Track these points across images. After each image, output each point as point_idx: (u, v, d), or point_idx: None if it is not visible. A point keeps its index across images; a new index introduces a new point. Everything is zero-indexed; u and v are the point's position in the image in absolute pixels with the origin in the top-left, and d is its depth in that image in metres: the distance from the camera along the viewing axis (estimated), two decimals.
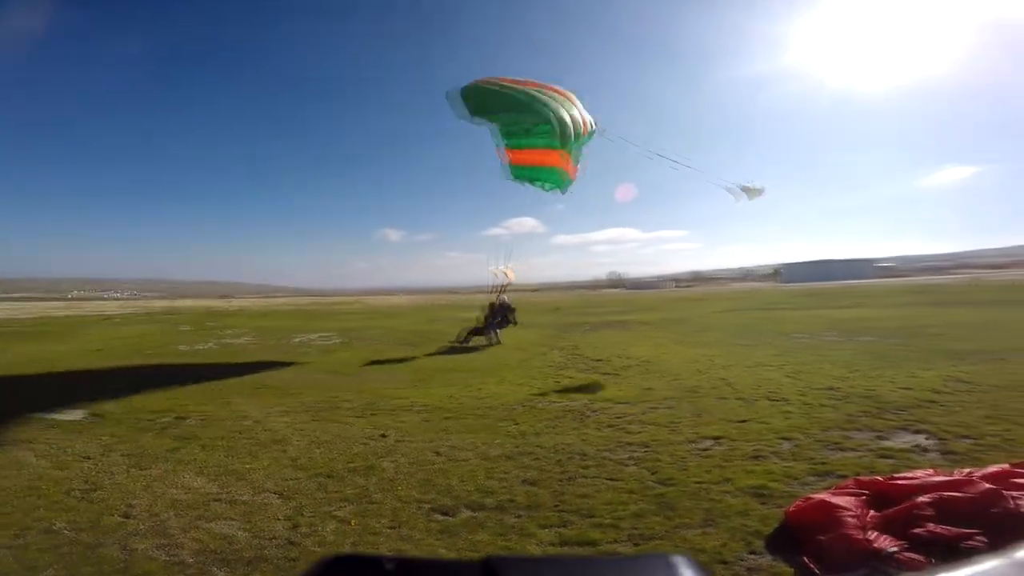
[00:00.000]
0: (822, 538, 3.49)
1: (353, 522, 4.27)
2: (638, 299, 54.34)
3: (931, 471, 4.17)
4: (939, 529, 3.40)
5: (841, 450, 5.52)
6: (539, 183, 16.13)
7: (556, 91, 13.24)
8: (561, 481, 5.04)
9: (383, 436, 6.80)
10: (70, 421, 7.90)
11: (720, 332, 18.32)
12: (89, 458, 6.09)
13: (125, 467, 5.77)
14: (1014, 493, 3.54)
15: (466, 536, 4.00)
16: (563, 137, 12.39)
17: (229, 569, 3.59)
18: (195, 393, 9.98)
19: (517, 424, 7.16)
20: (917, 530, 3.42)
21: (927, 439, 5.73)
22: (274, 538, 4.01)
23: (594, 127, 14.15)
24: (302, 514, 4.46)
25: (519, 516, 4.34)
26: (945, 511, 3.50)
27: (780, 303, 33.86)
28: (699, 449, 5.80)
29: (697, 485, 4.71)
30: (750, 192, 16.38)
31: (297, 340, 20.81)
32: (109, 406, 8.77)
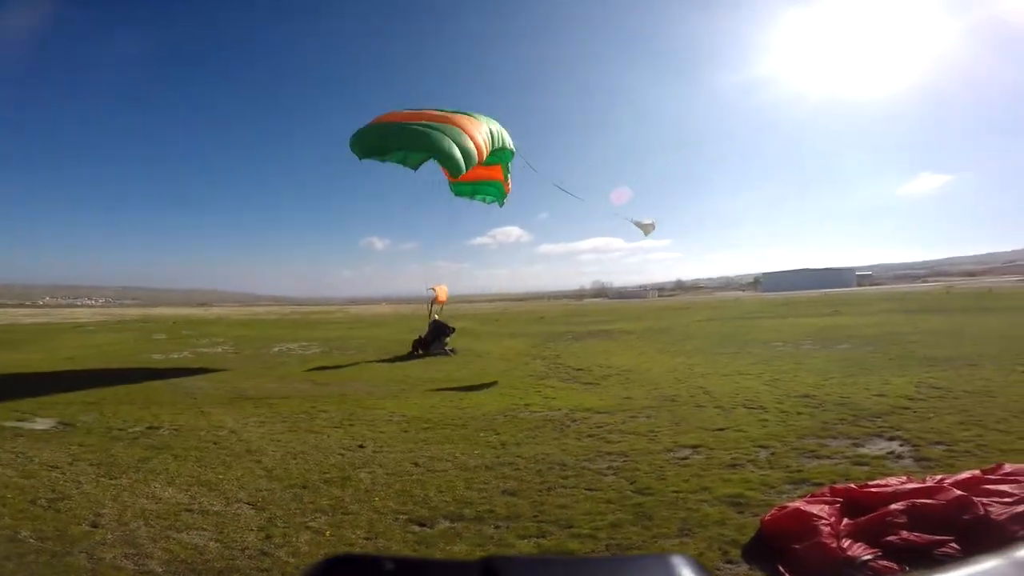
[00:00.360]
0: (797, 547, 3.51)
1: (328, 533, 4.19)
2: (622, 308, 54.67)
3: (904, 478, 4.23)
4: (912, 536, 3.45)
5: (817, 458, 5.58)
6: (479, 197, 16.99)
7: (448, 119, 13.51)
8: (540, 491, 5.01)
9: (360, 447, 6.70)
10: (37, 430, 7.66)
11: (700, 341, 18.50)
12: (57, 467, 5.89)
13: (94, 477, 5.60)
14: (984, 499, 3.61)
15: (443, 547, 3.96)
16: (454, 167, 12.74)
17: None
18: (169, 403, 9.76)
19: (497, 434, 7.12)
20: (890, 537, 3.47)
21: (901, 446, 5.82)
22: (246, 548, 3.92)
23: (500, 146, 14.70)
24: (275, 525, 4.36)
25: (498, 527, 4.31)
26: (917, 518, 3.56)
27: (760, 312, 34.35)
28: (677, 458, 5.82)
29: (675, 494, 4.72)
30: (643, 227, 17.51)
31: (276, 349, 20.52)
32: (79, 415, 8.53)
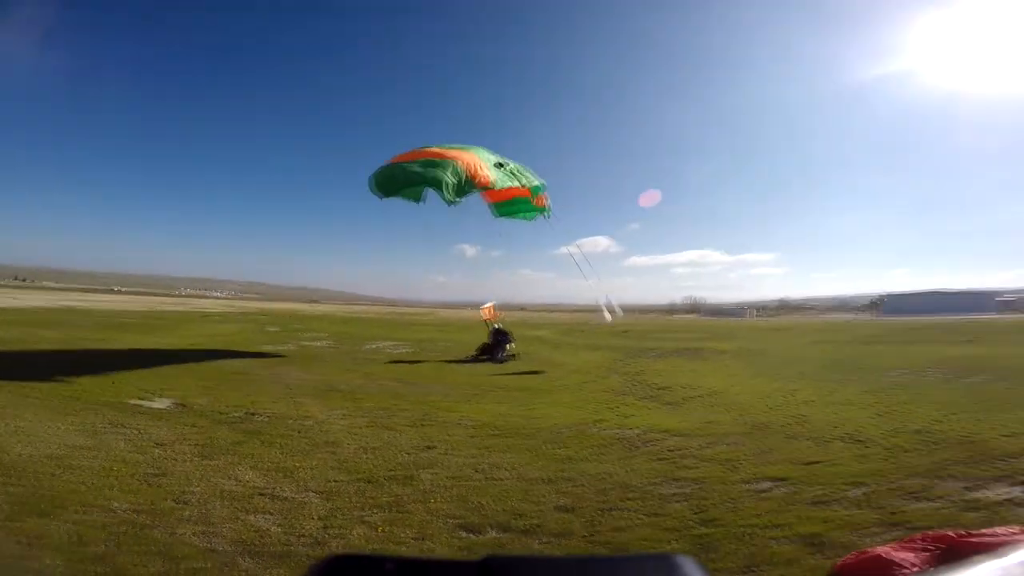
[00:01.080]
0: None
1: (380, 529, 4.32)
2: (716, 326, 51.71)
3: (1018, 528, 3.56)
4: None
5: (920, 500, 4.89)
6: (521, 215, 18.02)
7: (443, 154, 15.58)
8: (598, 511, 4.82)
9: (429, 448, 6.87)
10: (156, 409, 8.67)
11: (804, 366, 16.91)
12: (163, 445, 6.61)
13: (192, 456, 6.21)
14: None
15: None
16: (453, 192, 14.62)
17: (255, 561, 3.74)
18: (270, 391, 10.62)
19: (563, 448, 6.98)
20: None
21: None
22: (304, 536, 4.15)
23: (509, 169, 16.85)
24: (336, 516, 4.58)
25: (545, 542, 4.20)
26: None
27: (878, 337, 30.83)
28: (756, 490, 5.35)
29: (744, 528, 4.32)
30: (608, 311, 17.59)
31: (370, 347, 21.71)
32: (193, 397, 9.55)
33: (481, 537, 4.26)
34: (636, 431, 7.96)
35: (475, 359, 18.28)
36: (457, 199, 14.84)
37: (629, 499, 5.12)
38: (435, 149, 16.25)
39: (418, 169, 15.27)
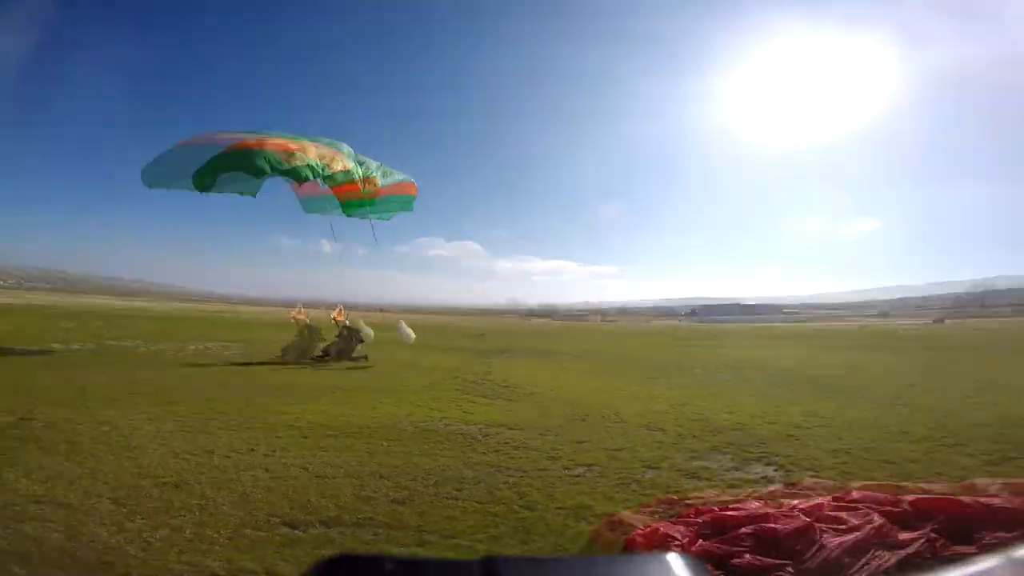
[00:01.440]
0: None
1: (188, 531, 4.00)
2: (564, 329, 55.75)
3: (763, 503, 4.50)
4: (754, 560, 3.67)
5: (697, 479, 5.86)
6: (377, 215, 17.71)
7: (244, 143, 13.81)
8: (431, 503, 4.98)
9: (251, 450, 6.44)
10: None
11: (627, 364, 19.26)
12: None
13: None
14: (823, 526, 3.89)
15: (310, 551, 3.85)
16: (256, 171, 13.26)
17: (31, 568, 3.27)
18: (55, 394, 9.08)
19: (403, 445, 7.02)
20: (736, 560, 3.68)
21: (775, 471, 6.21)
22: (92, 541, 3.70)
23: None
24: (133, 520, 4.13)
25: (376, 534, 4.25)
26: (762, 542, 3.79)
27: (689, 340, 35.82)
28: (571, 476, 5.95)
29: (558, 511, 4.82)
30: (403, 333, 19.70)
31: (192, 348, 19.53)
32: None
33: (305, 533, 4.16)
34: (477, 426, 8.31)
35: (319, 359, 17.41)
36: (294, 178, 13.74)
37: (462, 489, 5.37)
38: (277, 139, 14.23)
39: (249, 157, 13.32)
